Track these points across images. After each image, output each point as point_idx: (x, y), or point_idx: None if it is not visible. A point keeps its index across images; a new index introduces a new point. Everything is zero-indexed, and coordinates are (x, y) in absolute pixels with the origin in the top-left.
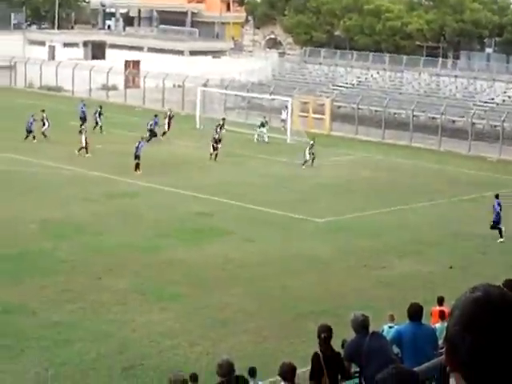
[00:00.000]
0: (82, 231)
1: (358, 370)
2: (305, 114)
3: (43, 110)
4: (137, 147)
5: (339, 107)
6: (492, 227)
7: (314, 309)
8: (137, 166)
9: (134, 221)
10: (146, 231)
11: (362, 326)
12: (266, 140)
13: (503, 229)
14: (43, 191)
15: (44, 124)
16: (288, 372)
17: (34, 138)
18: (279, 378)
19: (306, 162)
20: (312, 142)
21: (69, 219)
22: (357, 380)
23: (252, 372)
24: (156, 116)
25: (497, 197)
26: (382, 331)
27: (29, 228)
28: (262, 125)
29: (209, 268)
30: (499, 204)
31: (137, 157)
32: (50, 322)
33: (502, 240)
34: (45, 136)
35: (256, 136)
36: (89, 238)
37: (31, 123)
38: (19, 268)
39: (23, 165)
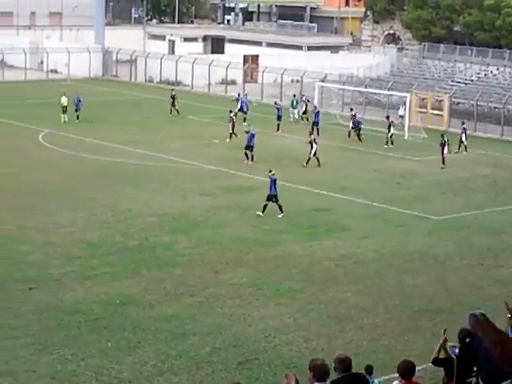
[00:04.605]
0: (199, 225)
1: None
2: (423, 110)
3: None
4: (250, 139)
5: (458, 103)
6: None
7: (429, 307)
8: (249, 156)
9: (250, 215)
10: (262, 225)
11: None
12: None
13: (269, 205)
14: (162, 185)
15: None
16: (408, 370)
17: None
18: (395, 376)
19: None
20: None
21: (186, 213)
22: (475, 379)
23: (369, 370)
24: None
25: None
26: None
27: (148, 221)
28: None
29: (324, 264)
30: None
31: (249, 147)
32: (167, 314)
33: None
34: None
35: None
36: (206, 232)
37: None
38: (137, 260)
39: (143, 158)
